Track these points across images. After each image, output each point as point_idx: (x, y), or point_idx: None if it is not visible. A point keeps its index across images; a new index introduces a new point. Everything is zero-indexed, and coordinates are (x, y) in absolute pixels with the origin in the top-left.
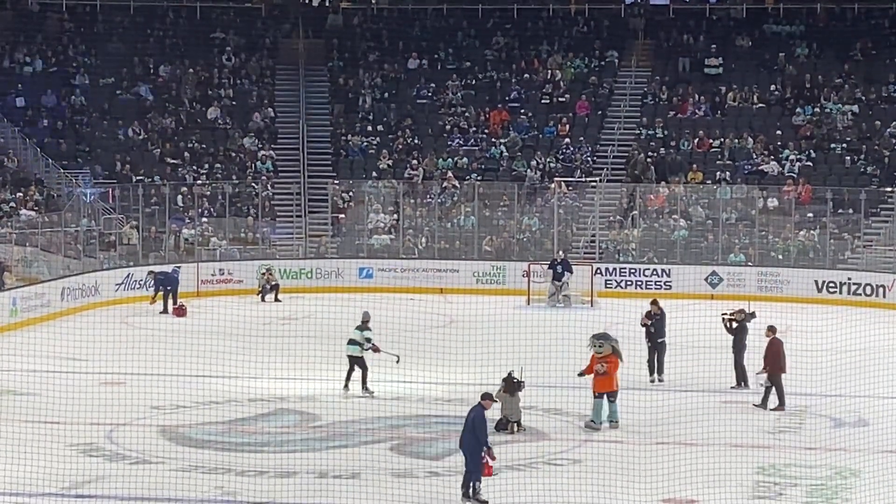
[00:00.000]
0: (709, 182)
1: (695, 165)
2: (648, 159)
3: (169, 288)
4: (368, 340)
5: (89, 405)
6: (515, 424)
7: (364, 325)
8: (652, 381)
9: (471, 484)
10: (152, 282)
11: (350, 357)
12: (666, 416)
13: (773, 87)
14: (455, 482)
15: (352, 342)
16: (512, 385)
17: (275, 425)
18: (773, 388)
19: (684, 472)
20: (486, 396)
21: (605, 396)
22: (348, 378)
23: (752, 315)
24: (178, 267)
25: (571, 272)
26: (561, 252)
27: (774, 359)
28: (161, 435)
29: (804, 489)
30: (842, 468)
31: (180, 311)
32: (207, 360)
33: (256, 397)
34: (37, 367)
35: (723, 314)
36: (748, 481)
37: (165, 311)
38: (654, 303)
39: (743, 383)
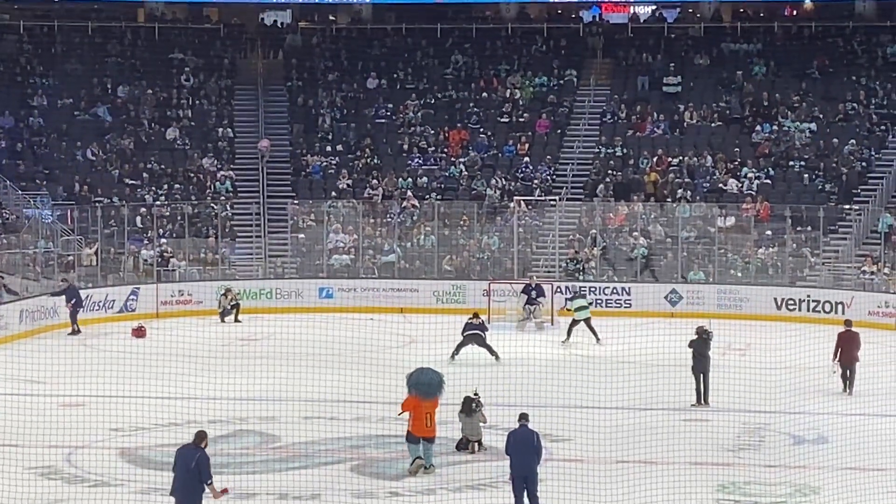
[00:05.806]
0: (668, 200)
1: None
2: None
3: (74, 303)
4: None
5: (48, 427)
6: (476, 444)
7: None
8: None
9: None
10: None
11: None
12: (626, 435)
13: (731, 105)
14: (415, 501)
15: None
16: (469, 405)
17: (235, 446)
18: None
19: (645, 490)
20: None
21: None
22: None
23: (707, 333)
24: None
25: (545, 296)
26: (534, 276)
27: (847, 349)
28: (121, 457)
29: None
30: (802, 485)
31: (140, 332)
32: (167, 381)
33: (216, 418)
34: None
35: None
36: (709, 499)
37: (76, 331)
38: None
39: (703, 401)
